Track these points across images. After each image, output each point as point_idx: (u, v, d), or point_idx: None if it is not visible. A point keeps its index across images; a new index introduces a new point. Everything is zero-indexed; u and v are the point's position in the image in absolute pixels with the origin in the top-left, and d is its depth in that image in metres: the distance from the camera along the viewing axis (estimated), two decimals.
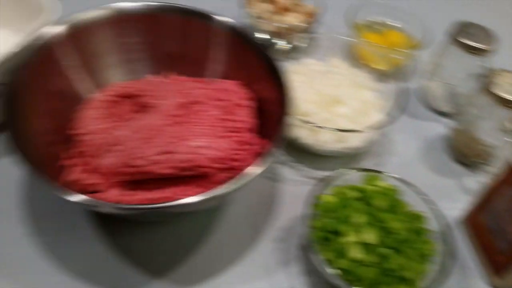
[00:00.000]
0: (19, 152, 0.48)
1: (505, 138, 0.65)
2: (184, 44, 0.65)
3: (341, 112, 0.65)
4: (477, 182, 0.68)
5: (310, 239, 0.53)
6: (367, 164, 0.69)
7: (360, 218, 0.53)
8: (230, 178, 0.55)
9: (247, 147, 0.58)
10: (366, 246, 0.52)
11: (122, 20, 0.63)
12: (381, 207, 0.55)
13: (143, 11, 0.64)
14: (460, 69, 0.73)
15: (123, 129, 0.56)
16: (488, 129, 0.66)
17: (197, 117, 0.58)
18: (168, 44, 0.66)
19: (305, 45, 0.74)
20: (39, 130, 0.55)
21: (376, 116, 0.67)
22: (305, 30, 0.79)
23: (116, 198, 0.53)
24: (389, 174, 0.58)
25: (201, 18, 0.64)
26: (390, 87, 0.70)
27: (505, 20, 0.97)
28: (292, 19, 0.79)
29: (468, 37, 0.69)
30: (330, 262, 0.51)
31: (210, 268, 0.56)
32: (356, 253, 0.51)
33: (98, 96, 0.62)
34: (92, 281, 0.54)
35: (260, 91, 0.62)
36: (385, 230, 0.53)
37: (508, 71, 0.64)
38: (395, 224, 0.53)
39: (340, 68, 0.72)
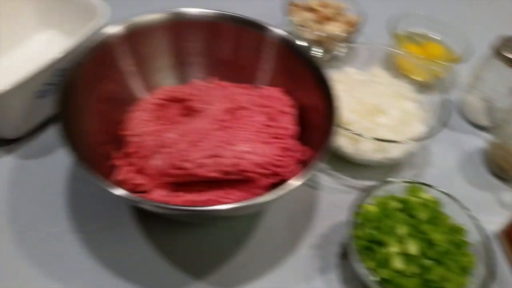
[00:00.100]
0: (68, 143, 0.49)
1: None
2: (235, 51, 0.67)
3: (382, 121, 0.66)
4: None
5: (352, 248, 0.53)
6: (406, 175, 0.69)
7: (402, 229, 0.54)
8: (273, 183, 0.57)
9: (290, 153, 0.58)
10: (408, 257, 0.52)
11: (181, 25, 0.65)
12: (423, 218, 0.55)
13: (203, 18, 0.65)
14: (501, 84, 0.72)
15: (171, 132, 0.57)
16: None
17: (242, 123, 0.59)
18: (220, 51, 0.67)
19: (344, 54, 0.74)
20: (90, 130, 0.56)
21: (417, 127, 0.67)
22: (345, 40, 0.79)
23: (162, 199, 0.55)
24: (431, 186, 0.59)
25: (256, 27, 0.65)
26: (431, 98, 0.70)
27: None
28: (333, 28, 0.80)
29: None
30: (371, 272, 0.52)
31: (249, 272, 0.57)
32: (398, 263, 0.51)
33: (147, 98, 0.63)
34: (133, 280, 0.55)
35: (301, 98, 0.63)
36: (426, 242, 0.53)
37: None
38: (437, 236, 0.53)
39: (380, 77, 0.73)
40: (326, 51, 0.79)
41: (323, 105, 0.58)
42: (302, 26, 0.80)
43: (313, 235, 0.61)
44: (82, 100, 0.56)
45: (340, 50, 0.74)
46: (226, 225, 0.61)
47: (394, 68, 0.76)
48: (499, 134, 0.70)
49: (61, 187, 0.62)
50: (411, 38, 0.84)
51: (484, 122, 0.77)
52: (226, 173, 0.55)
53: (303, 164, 0.57)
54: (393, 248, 0.52)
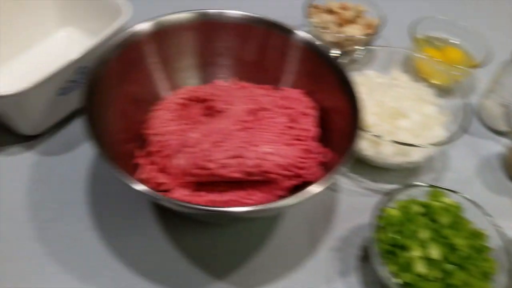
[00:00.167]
0: (94, 139, 0.49)
1: None
2: (260, 53, 0.67)
3: (403, 125, 0.65)
4: None
5: (375, 251, 0.53)
6: (424, 179, 0.69)
7: (424, 233, 0.54)
8: (296, 185, 0.57)
9: (311, 155, 0.58)
10: (430, 261, 0.52)
11: (208, 26, 0.65)
12: (445, 223, 0.55)
13: (232, 19, 0.65)
14: None
15: (194, 132, 0.57)
16: None
17: (264, 124, 0.59)
18: (246, 52, 0.67)
19: (362, 56, 0.74)
20: (113, 128, 0.56)
21: (438, 131, 0.67)
22: (364, 42, 0.79)
23: (185, 198, 0.55)
24: (455, 191, 0.58)
25: (282, 30, 0.65)
26: (451, 102, 0.70)
27: None
28: (353, 31, 0.80)
29: None
30: (394, 275, 0.52)
31: (269, 273, 0.57)
32: (421, 267, 0.51)
33: (170, 98, 0.63)
34: (153, 278, 0.55)
35: (322, 100, 0.63)
36: (448, 246, 0.53)
37: None
38: (458, 240, 0.53)
39: (400, 81, 0.73)
40: (345, 53, 0.79)
41: (347, 108, 0.58)
42: (322, 28, 0.80)
43: (332, 237, 0.61)
44: (107, 97, 0.56)
45: (359, 52, 0.74)
46: (247, 226, 0.61)
47: (413, 71, 0.76)
48: None
49: (81, 184, 0.62)
50: (430, 42, 0.84)
51: (502, 127, 0.77)
52: (249, 174, 0.55)
53: (324, 166, 0.57)
54: (416, 253, 0.52)
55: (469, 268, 0.52)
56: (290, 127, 0.60)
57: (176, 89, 0.65)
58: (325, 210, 0.64)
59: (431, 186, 0.59)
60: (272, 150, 0.56)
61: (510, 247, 0.55)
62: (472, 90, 0.84)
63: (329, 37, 0.79)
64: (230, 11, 0.65)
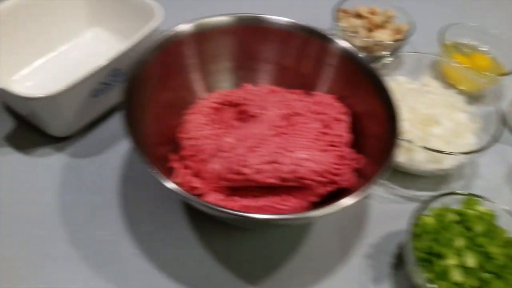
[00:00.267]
0: (133, 139, 0.50)
1: None
2: (297, 59, 0.67)
3: (435, 132, 0.65)
4: None
5: (411, 259, 0.53)
6: (455, 186, 0.68)
7: (460, 242, 0.53)
8: (330, 192, 0.56)
9: (345, 162, 0.58)
10: (467, 270, 0.52)
11: (248, 30, 0.65)
12: (479, 231, 0.55)
13: (273, 25, 0.65)
14: None
15: (228, 136, 0.57)
16: None
17: (298, 129, 0.59)
18: (283, 57, 0.67)
19: (390, 61, 0.74)
20: (148, 130, 0.56)
21: (469, 139, 0.66)
22: (393, 47, 0.79)
23: (219, 203, 0.54)
24: (490, 200, 0.58)
25: (321, 38, 0.65)
26: (481, 109, 0.69)
27: None
28: (381, 36, 0.79)
29: None
30: (430, 283, 0.51)
31: (301, 279, 0.57)
32: (458, 276, 0.51)
33: (203, 102, 0.63)
34: (185, 282, 0.55)
35: (355, 105, 0.63)
36: (483, 255, 0.53)
37: None
38: (494, 249, 0.53)
39: (431, 87, 0.72)
40: (374, 58, 0.79)
41: (383, 114, 0.57)
42: (351, 32, 0.79)
43: (364, 244, 0.60)
44: (144, 99, 0.57)
45: (387, 57, 0.74)
46: (279, 231, 0.61)
47: (441, 77, 0.75)
48: None
49: (112, 186, 0.63)
50: (459, 48, 0.84)
51: None
52: (284, 179, 0.55)
53: (358, 172, 0.57)
54: (451, 261, 0.52)
55: (507, 277, 0.52)
56: (324, 133, 0.60)
57: (209, 92, 0.65)
58: (357, 217, 0.63)
59: (468, 194, 0.58)
60: (308, 156, 0.56)
61: None
62: (500, 97, 0.83)
63: (357, 41, 0.78)
64: (272, 17, 0.65)
